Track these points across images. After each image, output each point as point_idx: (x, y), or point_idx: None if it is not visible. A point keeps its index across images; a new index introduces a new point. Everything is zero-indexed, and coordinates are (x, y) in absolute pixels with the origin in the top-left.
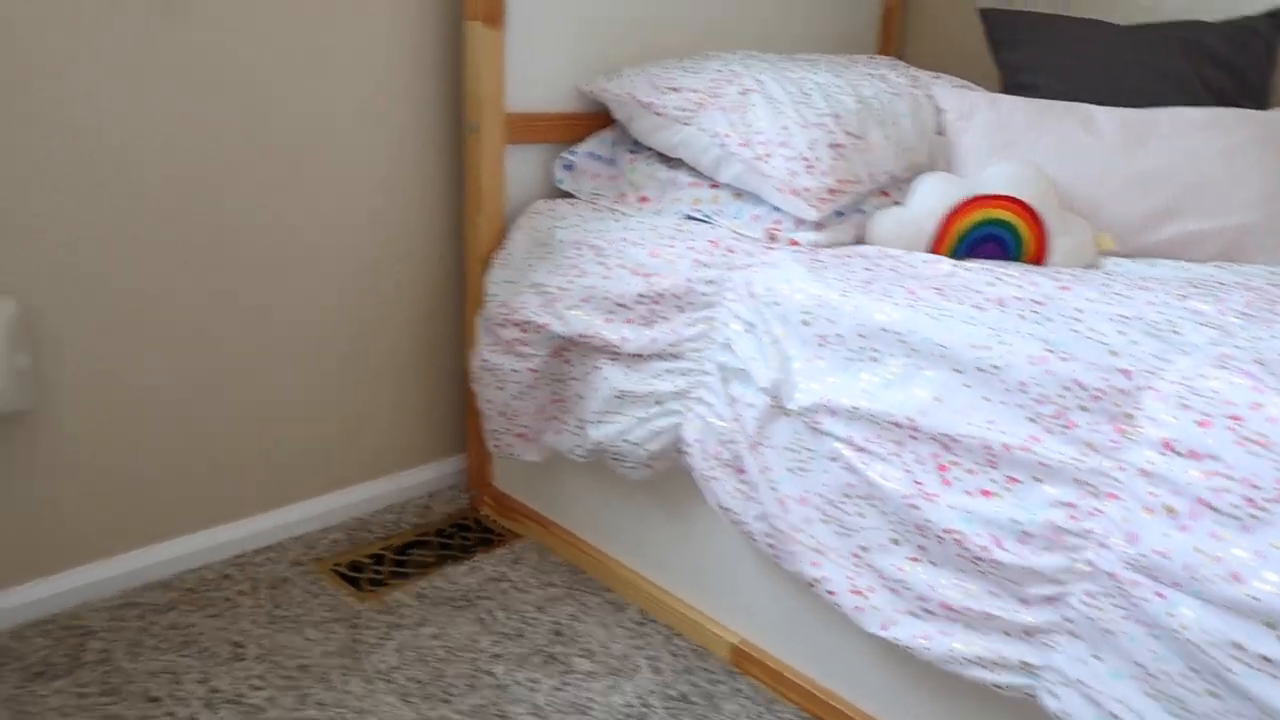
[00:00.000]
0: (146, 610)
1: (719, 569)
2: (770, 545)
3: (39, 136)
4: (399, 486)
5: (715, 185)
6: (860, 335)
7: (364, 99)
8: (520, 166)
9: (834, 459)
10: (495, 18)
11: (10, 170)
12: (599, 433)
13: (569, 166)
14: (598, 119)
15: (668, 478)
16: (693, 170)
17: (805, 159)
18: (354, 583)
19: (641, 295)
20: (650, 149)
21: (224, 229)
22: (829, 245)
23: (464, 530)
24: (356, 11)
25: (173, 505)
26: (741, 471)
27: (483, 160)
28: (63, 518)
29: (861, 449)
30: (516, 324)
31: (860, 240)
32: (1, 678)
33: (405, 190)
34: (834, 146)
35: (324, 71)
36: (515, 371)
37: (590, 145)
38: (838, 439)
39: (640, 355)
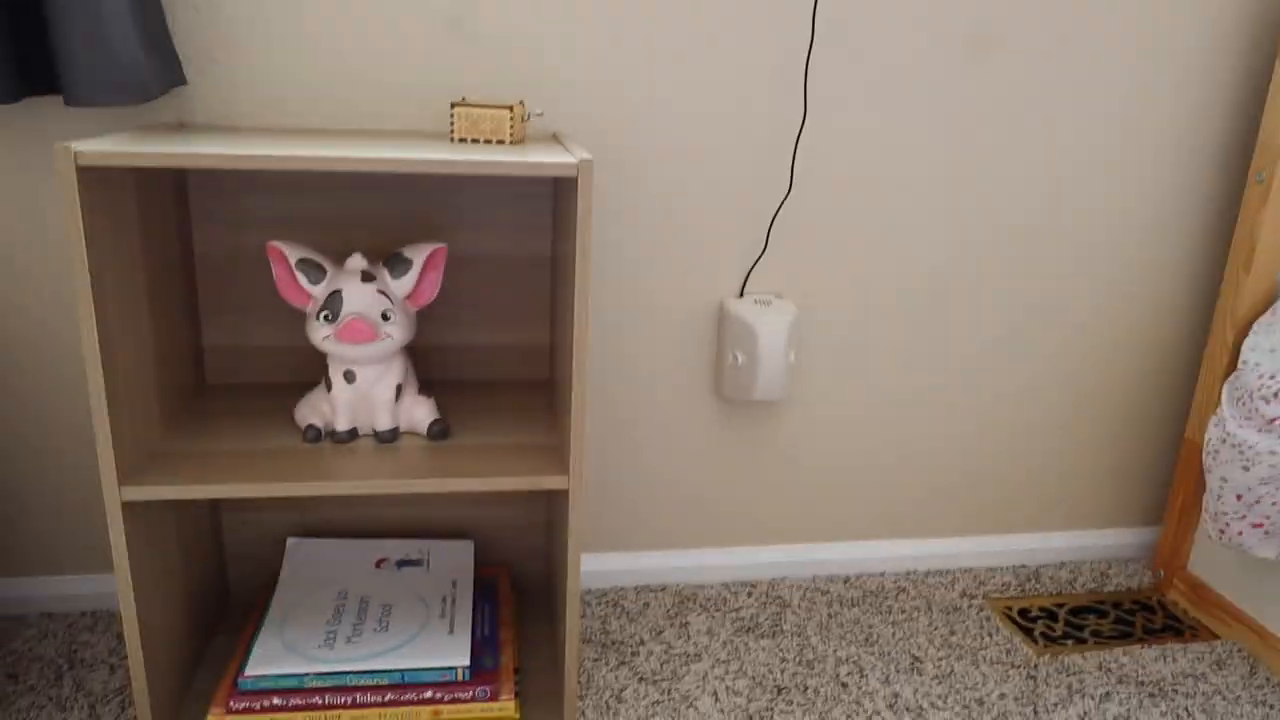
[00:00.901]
0: (834, 600)
1: None
2: None
3: (822, 168)
4: (1074, 545)
5: None
6: None
7: (1139, 142)
8: None
9: None
10: None
11: (803, 189)
12: None
13: None
14: None
15: None
16: None
17: None
18: (1026, 631)
19: None
20: None
21: (986, 258)
22: None
23: (1145, 610)
24: (1146, 57)
25: (866, 508)
26: None
27: (1264, 215)
28: (779, 498)
29: None
30: None
31: None
32: (720, 622)
33: (1156, 235)
34: None
35: (1099, 112)
36: (1273, 454)
37: None
38: None
39: None
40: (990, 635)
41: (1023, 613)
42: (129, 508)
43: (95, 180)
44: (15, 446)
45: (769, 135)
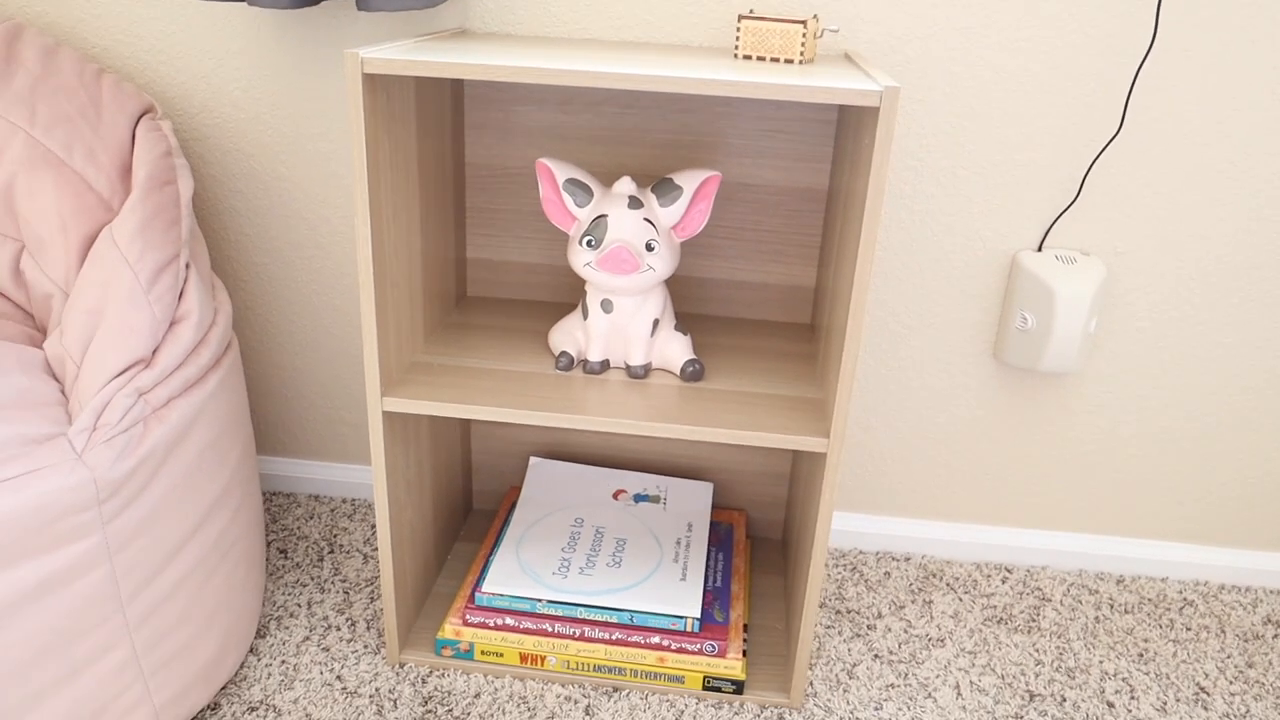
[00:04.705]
0: (1102, 602)
1: None
2: None
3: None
4: None
5: None
6: None
7: None
8: None
9: None
10: None
11: (1135, 131)
12: None
13: None
14: None
15: None
16: None
17: None
18: None
19: None
20: None
21: None
22: None
23: None
24: None
25: (1152, 503)
26: None
27: None
28: (1052, 479)
29: None
30: None
31: None
32: (969, 607)
33: None
34: None
35: None
36: None
37: None
38: None
39: None
40: None
41: None
42: (388, 417)
43: (379, 86)
44: (294, 339)
45: (1102, 62)
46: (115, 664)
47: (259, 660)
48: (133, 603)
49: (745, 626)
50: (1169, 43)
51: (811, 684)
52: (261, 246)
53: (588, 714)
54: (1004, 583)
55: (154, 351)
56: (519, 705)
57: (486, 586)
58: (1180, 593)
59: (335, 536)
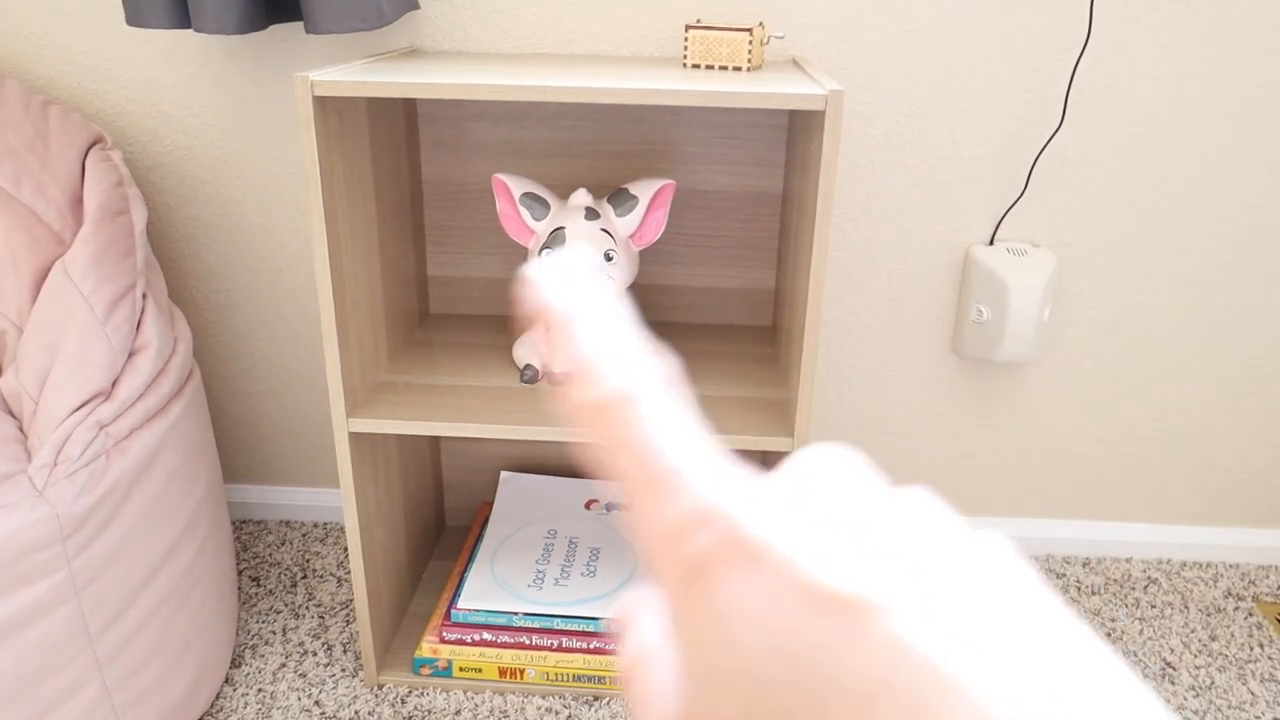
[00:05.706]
0: (1070, 584)
1: None
2: None
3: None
4: None
5: None
6: None
7: None
8: None
9: None
10: None
11: (1076, 125)
12: None
13: None
14: None
15: None
16: None
17: None
18: None
19: None
20: None
21: None
22: None
23: None
24: None
25: (1115, 485)
26: None
27: None
28: (1016, 467)
29: None
30: None
31: None
32: None
33: None
34: None
35: None
36: None
37: None
38: None
39: None
40: (1261, 647)
41: None
42: (355, 438)
43: (330, 108)
44: (260, 365)
45: (1041, 60)
46: (86, 702)
47: (235, 690)
48: (102, 639)
49: None
50: (1103, 39)
51: None
52: (220, 272)
53: None
54: None
55: (113, 383)
56: None
57: (462, 602)
58: (1144, 571)
59: (308, 561)
